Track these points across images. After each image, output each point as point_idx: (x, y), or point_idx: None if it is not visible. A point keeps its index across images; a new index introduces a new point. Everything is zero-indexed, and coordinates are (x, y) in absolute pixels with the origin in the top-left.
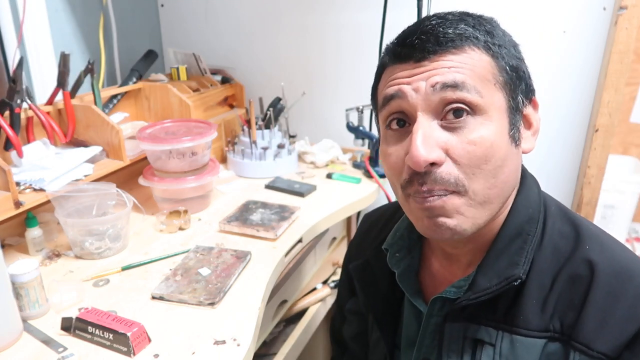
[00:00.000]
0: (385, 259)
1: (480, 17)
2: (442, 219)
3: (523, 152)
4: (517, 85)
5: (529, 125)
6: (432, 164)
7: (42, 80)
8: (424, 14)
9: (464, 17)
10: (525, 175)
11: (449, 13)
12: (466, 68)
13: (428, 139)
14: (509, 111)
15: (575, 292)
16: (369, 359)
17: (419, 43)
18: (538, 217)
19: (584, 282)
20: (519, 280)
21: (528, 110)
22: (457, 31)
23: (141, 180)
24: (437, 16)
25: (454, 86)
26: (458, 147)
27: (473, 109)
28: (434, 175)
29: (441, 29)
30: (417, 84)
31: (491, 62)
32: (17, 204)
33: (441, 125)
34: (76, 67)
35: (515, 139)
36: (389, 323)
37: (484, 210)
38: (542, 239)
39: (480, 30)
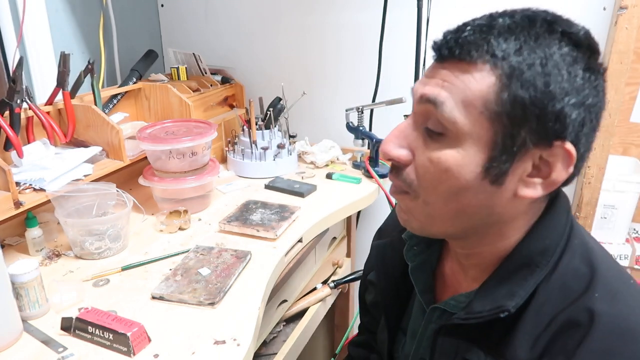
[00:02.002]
0: (404, 246)
1: (545, 26)
2: (400, 211)
3: (519, 197)
4: (521, 121)
5: (546, 172)
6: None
7: (42, 80)
8: (423, 14)
9: (519, 21)
10: (555, 204)
11: (509, 14)
12: (458, 87)
13: (399, 138)
14: (492, 145)
15: (570, 338)
16: (377, 336)
17: (442, 43)
18: (555, 249)
19: (580, 331)
20: (506, 313)
21: (548, 155)
22: (478, 41)
23: (141, 180)
24: (489, 16)
25: (434, 103)
26: (419, 159)
27: (445, 131)
28: (399, 170)
29: (466, 34)
30: (419, 86)
31: (492, 86)
32: (17, 204)
33: (424, 131)
34: (76, 67)
35: (492, 176)
36: (395, 309)
37: (435, 223)
38: (552, 273)
39: (509, 46)
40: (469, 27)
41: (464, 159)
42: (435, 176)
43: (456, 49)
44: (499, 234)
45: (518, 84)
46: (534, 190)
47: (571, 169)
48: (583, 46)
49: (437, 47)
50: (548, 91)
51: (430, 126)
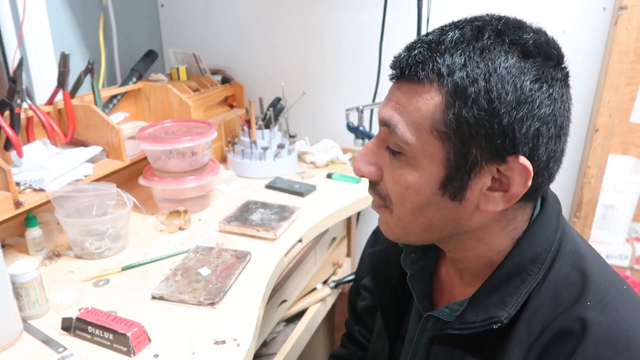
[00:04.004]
0: (402, 252)
1: (493, 37)
2: (380, 222)
3: (482, 211)
4: (470, 140)
5: (506, 185)
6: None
7: (42, 80)
8: (423, 14)
9: (467, 34)
10: (544, 209)
11: (460, 25)
12: (408, 109)
13: (368, 155)
14: (446, 163)
15: (562, 348)
16: (371, 344)
17: (395, 63)
18: (546, 257)
19: (573, 341)
20: (499, 325)
21: (504, 169)
22: (426, 60)
23: (141, 180)
24: (440, 30)
25: (388, 126)
26: (386, 176)
27: (402, 150)
28: (374, 185)
29: (416, 52)
30: (380, 108)
31: (439, 105)
32: (17, 204)
33: (387, 150)
34: (76, 67)
35: (450, 192)
36: (394, 316)
37: (409, 234)
38: (544, 281)
39: (454, 61)
40: (419, 45)
41: (421, 177)
42: (399, 193)
43: (406, 69)
44: (476, 239)
45: (462, 102)
46: (495, 205)
47: (529, 182)
48: (532, 55)
49: (392, 67)
50: (492, 108)
51: (391, 146)
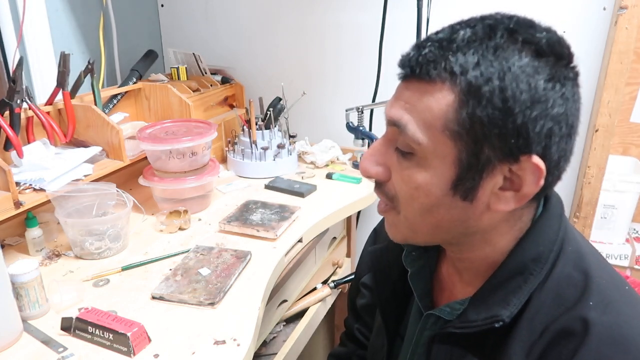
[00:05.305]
0: (402, 250)
1: (506, 35)
2: (387, 225)
3: (493, 210)
4: (483, 139)
5: (517, 185)
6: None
7: (42, 80)
8: (423, 14)
9: (479, 33)
10: (547, 209)
11: (471, 24)
12: (419, 109)
13: (375, 156)
14: (458, 163)
15: (564, 347)
16: (370, 342)
17: (404, 61)
18: (548, 256)
19: (575, 340)
20: (501, 323)
21: (517, 169)
22: (437, 58)
23: (141, 180)
24: (451, 28)
25: (398, 126)
26: (394, 177)
27: (413, 150)
28: (381, 185)
29: (426, 51)
30: (388, 108)
31: (452, 104)
32: (17, 204)
33: (396, 150)
34: (76, 67)
35: (462, 192)
36: (393, 314)
37: (417, 235)
38: (546, 281)
39: (467, 60)
40: (429, 43)
41: (432, 178)
42: (408, 193)
43: (416, 68)
44: (482, 240)
45: (475, 101)
46: (506, 204)
47: (542, 182)
48: (545, 55)
49: (400, 66)
50: (506, 108)
51: (400, 146)
